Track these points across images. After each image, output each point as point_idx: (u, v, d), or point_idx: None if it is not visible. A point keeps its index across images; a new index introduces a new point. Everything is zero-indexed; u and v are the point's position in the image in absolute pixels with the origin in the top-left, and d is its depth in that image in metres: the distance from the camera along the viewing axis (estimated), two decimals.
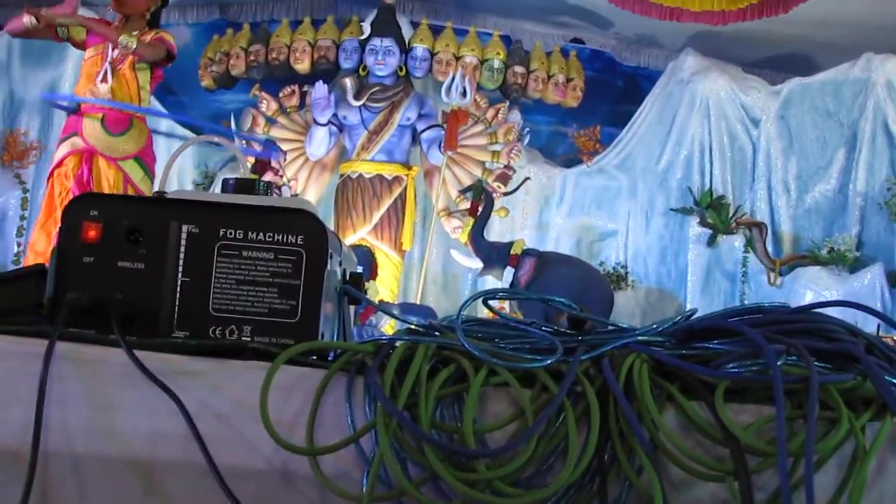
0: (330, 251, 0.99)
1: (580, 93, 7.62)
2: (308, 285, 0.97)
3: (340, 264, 1.08)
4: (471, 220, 6.67)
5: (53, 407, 0.88)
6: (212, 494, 0.86)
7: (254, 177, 1.06)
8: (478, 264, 6.56)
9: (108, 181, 5.22)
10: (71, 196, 4.94)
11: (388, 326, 5.97)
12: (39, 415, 0.86)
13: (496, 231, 7.17)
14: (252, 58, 7.40)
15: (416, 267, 7.28)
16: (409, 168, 7.22)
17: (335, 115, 7.08)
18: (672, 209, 7.42)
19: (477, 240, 6.60)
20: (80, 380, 0.90)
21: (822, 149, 7.32)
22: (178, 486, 0.88)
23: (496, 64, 7.39)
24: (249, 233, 0.97)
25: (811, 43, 7.67)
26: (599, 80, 8.00)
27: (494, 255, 6.48)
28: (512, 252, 6.48)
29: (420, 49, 7.27)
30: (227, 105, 7.68)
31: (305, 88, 7.23)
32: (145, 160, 5.37)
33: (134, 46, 5.14)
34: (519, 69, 7.45)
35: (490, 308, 1.00)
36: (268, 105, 7.29)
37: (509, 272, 6.34)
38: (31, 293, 1.01)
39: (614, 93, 8.14)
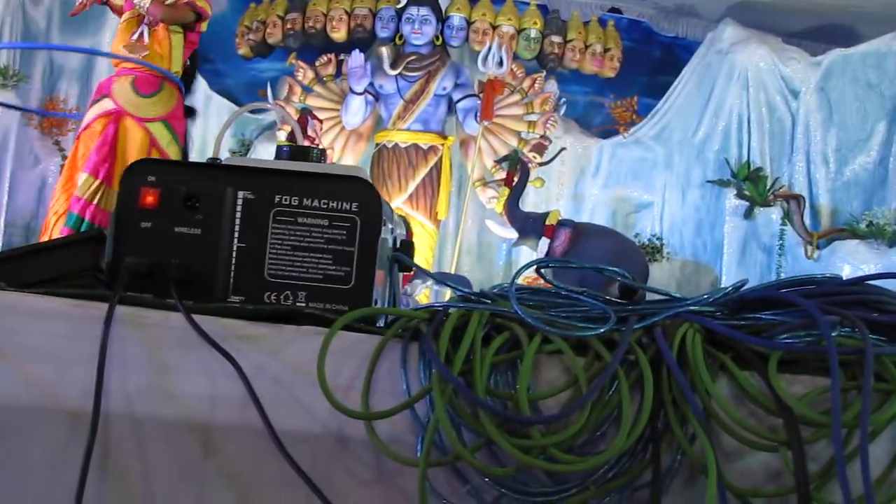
0: (383, 218, 1.00)
1: (617, 63, 7.56)
2: (362, 252, 0.98)
3: (392, 231, 1.08)
4: (506, 191, 6.65)
5: (114, 369, 0.90)
6: (269, 457, 0.88)
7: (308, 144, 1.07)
8: (513, 234, 6.55)
9: (134, 142, 5.15)
10: (93, 156, 4.96)
11: (422, 296, 5.98)
12: (100, 377, 0.88)
13: (531, 201, 7.15)
14: (289, 26, 7.39)
15: (451, 237, 7.28)
16: (445, 138, 7.21)
17: (371, 84, 7.07)
18: (709, 181, 7.36)
19: (512, 210, 6.58)
20: (139, 343, 0.91)
21: (863, 121, 7.24)
22: (236, 449, 0.89)
23: (533, 33, 7.34)
24: (304, 199, 0.98)
25: (853, 13, 7.56)
26: (637, 51, 7.92)
27: (529, 225, 6.46)
28: (547, 222, 6.45)
29: (457, 18, 7.23)
30: (263, 73, 7.68)
31: (342, 57, 7.22)
32: (173, 124, 5.29)
33: (147, 4, 5.09)
34: (556, 39, 7.40)
35: (543, 277, 1.00)
36: (304, 74, 7.29)
37: (544, 242, 6.32)
38: (90, 258, 1.02)
39: (652, 63, 8.07)
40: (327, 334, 0.87)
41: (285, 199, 0.98)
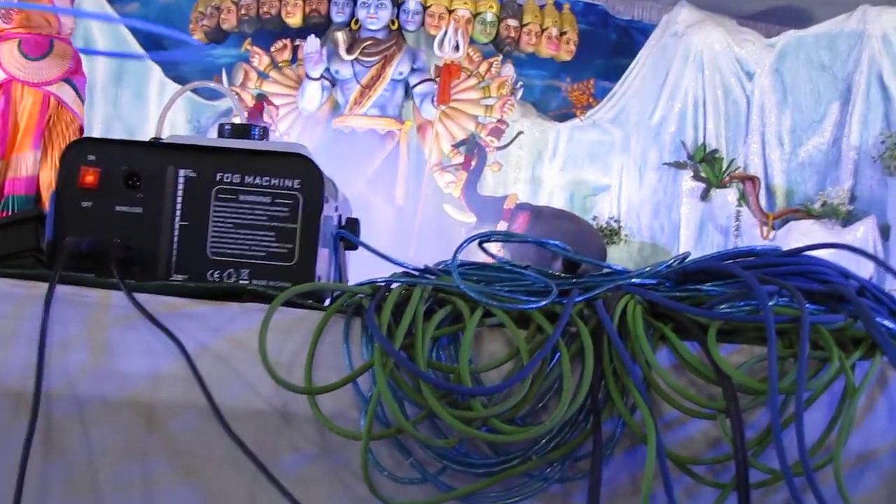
0: (326, 195, 1.00)
1: (573, 46, 7.58)
2: (304, 229, 0.98)
3: (336, 210, 1.08)
4: (464, 175, 6.67)
5: (55, 349, 0.89)
6: (213, 434, 0.87)
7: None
8: (471, 218, 6.57)
9: (24, 109, 4.78)
10: None
11: None
12: (41, 357, 0.87)
13: (489, 185, 7.17)
14: (243, 12, 7.34)
15: (409, 221, 7.28)
16: (402, 122, 7.20)
17: (327, 69, 7.04)
18: (665, 163, 7.41)
19: (470, 194, 6.60)
20: (80, 322, 0.91)
21: (817, 102, 7.31)
22: (180, 427, 0.89)
23: (489, 17, 7.34)
24: (246, 177, 0.98)
25: None
26: (593, 34, 7.95)
27: (488, 209, 6.48)
28: (505, 206, 6.49)
29: (412, 2, 7.21)
30: (218, 59, 7.62)
31: (297, 43, 7.19)
32: (75, 81, 4.94)
33: None
34: (512, 23, 7.40)
35: (486, 251, 1.01)
36: (259, 60, 7.25)
37: (502, 226, 6.35)
38: (30, 238, 1.02)
39: (608, 46, 8.10)
40: (268, 309, 0.87)
41: (227, 177, 0.98)
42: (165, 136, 1.03)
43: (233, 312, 0.92)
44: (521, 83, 7.38)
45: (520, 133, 7.27)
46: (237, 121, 6.93)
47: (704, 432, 0.88)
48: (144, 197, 0.98)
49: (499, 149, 7.16)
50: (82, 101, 4.96)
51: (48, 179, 4.64)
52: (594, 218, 7.47)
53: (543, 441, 0.85)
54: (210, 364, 0.89)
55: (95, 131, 6.64)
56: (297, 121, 7.26)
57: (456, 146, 6.99)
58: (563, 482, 0.88)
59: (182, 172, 0.98)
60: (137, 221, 0.98)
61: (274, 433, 0.89)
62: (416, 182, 7.33)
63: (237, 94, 6.90)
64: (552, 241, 0.99)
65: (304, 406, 0.88)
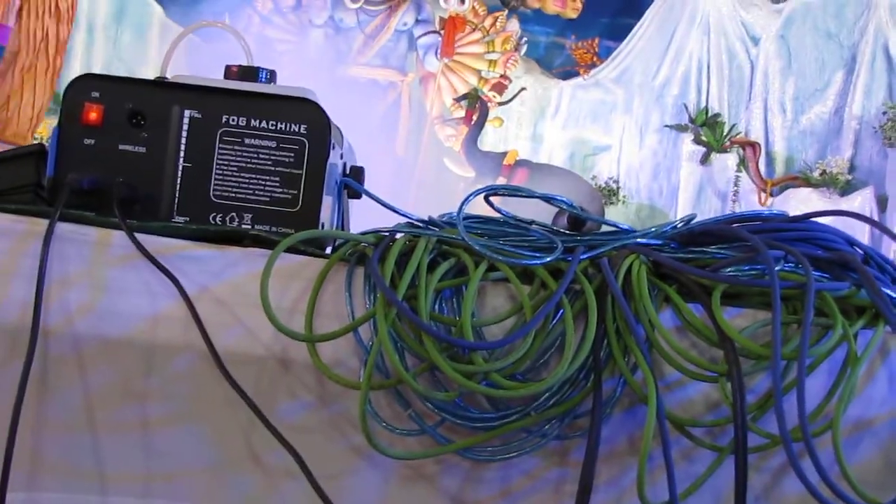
0: (332, 142, 0.99)
1: (580, 4, 7.52)
2: (310, 175, 0.97)
3: (342, 157, 1.07)
4: (464, 129, 6.64)
5: (53, 286, 0.88)
6: (211, 378, 0.87)
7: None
8: (470, 173, 6.55)
9: None
10: None
11: None
12: (39, 293, 0.86)
13: (490, 141, 7.14)
14: None
15: (409, 174, 7.25)
16: (405, 74, 7.15)
17: (331, 16, 6.98)
18: (667, 125, 7.38)
19: (470, 149, 6.58)
20: (80, 260, 0.90)
21: (821, 70, 7.26)
22: (177, 368, 0.88)
23: None
24: (252, 120, 0.97)
25: None
26: None
27: (487, 164, 6.46)
28: (505, 162, 6.47)
29: None
30: (220, 1, 7.55)
31: None
32: None
33: None
34: None
35: (492, 205, 1.00)
36: (263, 4, 7.18)
37: (501, 182, 6.32)
38: (30, 173, 1.00)
39: (614, 5, 8.02)
40: (271, 255, 0.86)
41: (233, 120, 0.97)
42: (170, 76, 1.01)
43: (235, 257, 0.91)
44: (525, 39, 7.32)
45: (522, 89, 7.22)
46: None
47: (705, 395, 0.88)
48: (148, 136, 0.97)
49: (501, 104, 7.12)
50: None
51: None
52: (594, 177, 7.44)
53: (543, 398, 0.85)
54: (210, 307, 0.88)
55: (96, 71, 6.59)
56: (299, 68, 7.20)
57: (458, 100, 6.95)
58: (562, 439, 0.88)
59: (187, 113, 0.97)
60: (141, 161, 0.97)
61: (272, 379, 0.88)
62: (416, 134, 7.30)
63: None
64: (559, 197, 0.98)
65: (304, 353, 0.87)
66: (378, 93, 7.02)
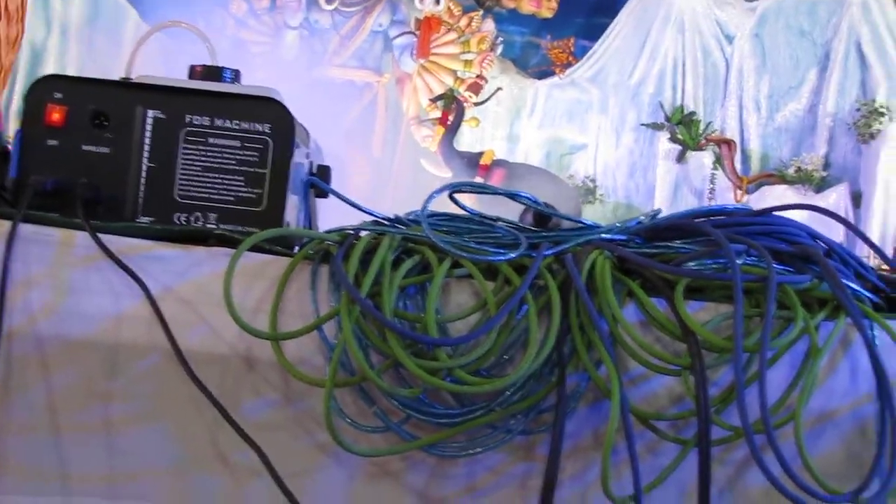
0: (297, 141, 0.99)
1: (555, 3, 7.53)
2: (274, 174, 0.97)
3: (308, 156, 1.07)
4: (441, 130, 6.64)
5: (17, 287, 0.88)
6: (175, 377, 0.87)
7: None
8: (447, 173, 6.54)
9: None
10: None
11: None
12: (2, 294, 0.86)
13: (466, 141, 7.14)
14: None
15: (386, 175, 7.25)
16: (381, 75, 7.15)
17: (306, 18, 6.97)
18: (643, 124, 7.40)
19: (446, 149, 6.57)
20: (43, 261, 0.89)
21: (795, 68, 7.30)
22: (141, 368, 0.88)
23: None
24: (216, 119, 0.97)
25: None
26: None
27: (464, 164, 6.46)
28: (481, 162, 6.47)
29: None
30: (195, 4, 7.53)
31: None
32: None
33: None
34: None
35: (456, 202, 1.00)
36: (237, 6, 7.17)
37: (478, 182, 6.33)
38: None
39: (589, 5, 8.04)
40: (234, 254, 0.86)
41: (196, 119, 0.96)
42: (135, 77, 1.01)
43: (199, 256, 0.91)
44: (500, 39, 7.33)
45: (498, 89, 7.23)
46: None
47: (668, 388, 0.88)
48: (112, 137, 0.96)
49: (477, 104, 7.13)
50: None
51: None
52: (570, 176, 7.46)
53: (507, 393, 0.85)
54: (174, 307, 0.88)
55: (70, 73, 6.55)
56: (273, 69, 7.19)
57: (434, 100, 6.96)
58: (527, 434, 0.88)
59: (151, 113, 0.96)
60: (104, 162, 0.96)
61: (237, 378, 0.88)
62: (393, 135, 7.30)
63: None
64: (523, 194, 0.98)
65: (269, 352, 0.87)
66: (354, 94, 7.02)
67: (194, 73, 1.05)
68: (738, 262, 0.87)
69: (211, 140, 0.97)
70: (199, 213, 0.97)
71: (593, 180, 7.54)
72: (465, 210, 0.98)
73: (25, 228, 0.90)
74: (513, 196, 0.99)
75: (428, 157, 6.84)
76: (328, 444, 0.86)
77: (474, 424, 0.85)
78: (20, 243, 0.89)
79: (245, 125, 0.97)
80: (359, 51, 7.07)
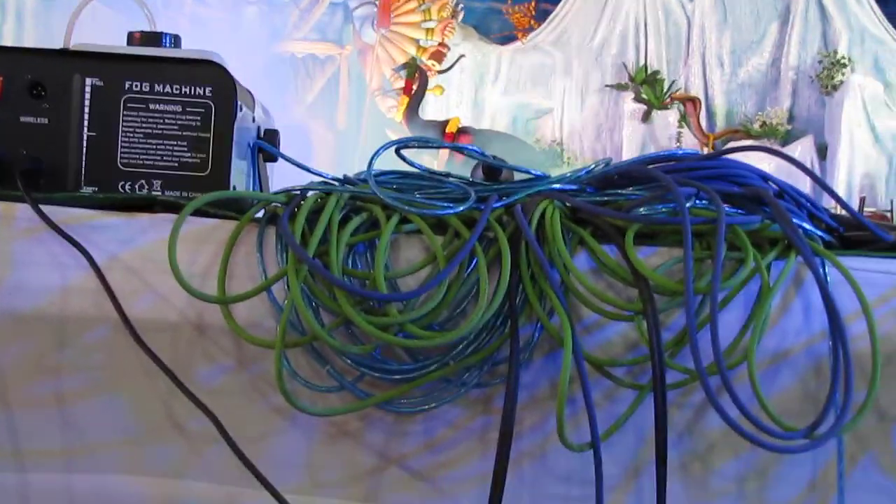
0: (240, 104, 0.97)
1: None
2: (217, 138, 0.95)
3: (254, 120, 1.06)
4: (405, 99, 6.61)
5: None
6: (126, 347, 0.86)
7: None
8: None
9: None
10: None
11: None
12: None
13: (431, 109, 7.13)
14: None
15: (352, 146, 7.22)
16: (342, 47, 7.11)
17: None
18: (607, 85, 7.41)
19: (412, 118, 6.56)
20: None
21: (756, 23, 7.33)
22: (91, 340, 0.87)
23: None
24: (156, 85, 0.95)
25: None
26: None
27: (429, 132, 6.44)
28: (447, 130, 6.45)
29: None
30: None
31: None
32: None
33: None
34: None
35: (403, 158, 0.99)
36: None
37: (445, 150, 6.31)
38: None
39: None
40: (177, 219, 0.85)
41: (136, 86, 0.95)
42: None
43: (143, 224, 0.90)
44: (461, 5, 7.31)
45: (461, 56, 7.21)
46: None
47: (623, 335, 0.88)
48: (50, 107, 0.95)
49: (440, 72, 7.11)
50: None
51: None
52: (537, 140, 7.47)
53: (460, 346, 0.84)
54: (120, 276, 0.87)
55: None
56: (233, 45, 7.13)
57: (397, 70, 6.93)
58: (482, 387, 0.88)
59: (89, 81, 0.95)
60: (44, 132, 0.95)
61: (188, 345, 0.87)
62: (357, 107, 7.27)
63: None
64: (469, 147, 0.97)
65: (219, 317, 0.86)
66: (317, 67, 6.97)
67: (133, 39, 1.03)
68: (688, 204, 0.87)
69: (151, 106, 0.95)
70: (143, 181, 0.95)
71: (560, 144, 7.54)
72: (414, 166, 0.97)
73: None
74: (459, 150, 0.98)
75: (394, 128, 6.82)
76: (284, 406, 0.85)
77: (429, 379, 0.85)
78: None
79: (185, 89, 0.95)
80: (319, 23, 7.03)
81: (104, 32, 1.02)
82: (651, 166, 0.97)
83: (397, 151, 0.98)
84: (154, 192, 0.95)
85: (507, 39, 7.78)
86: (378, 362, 0.85)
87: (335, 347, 0.82)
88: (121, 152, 0.95)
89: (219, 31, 7.00)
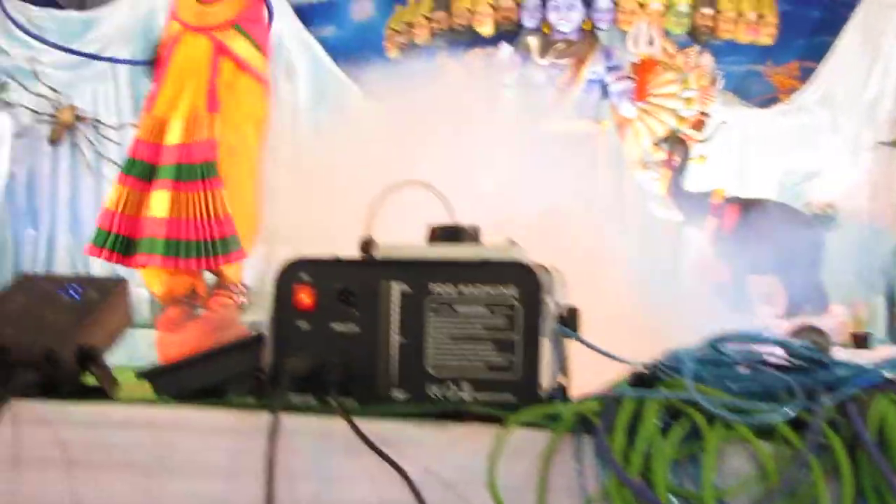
0: (543, 296, 0.95)
1: (774, 29, 7.28)
2: (525, 339, 0.93)
3: (554, 301, 1.04)
4: (667, 171, 6.52)
5: (281, 480, 0.88)
6: None
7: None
8: (678, 216, 6.41)
9: (188, 58, 3.69)
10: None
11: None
12: (271, 490, 0.86)
13: (694, 179, 6.97)
14: (435, 25, 7.40)
15: (614, 223, 7.15)
16: (600, 123, 7.10)
17: (521, 74, 7.01)
18: (881, 142, 7.04)
19: (675, 190, 6.45)
20: (304, 452, 0.90)
21: None
22: None
23: (683, 8, 7.13)
24: (460, 287, 0.94)
25: None
26: (794, 14, 7.59)
27: (694, 204, 6.32)
28: (712, 201, 6.31)
29: (603, 0, 7.10)
30: (414, 76, 7.69)
31: (489, 50, 7.19)
32: (246, 27, 3.79)
33: None
34: (707, 10, 7.17)
35: (720, 352, 0.93)
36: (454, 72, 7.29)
37: (711, 222, 6.18)
38: (250, 359, 1.02)
39: (810, 25, 7.72)
40: (498, 437, 0.83)
41: (441, 289, 0.95)
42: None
43: (457, 435, 0.89)
44: (720, 72, 7.15)
45: (723, 123, 7.03)
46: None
47: None
48: (360, 314, 0.96)
49: (702, 141, 6.96)
50: (257, 50, 3.87)
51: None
52: (807, 205, 7.16)
53: None
54: (436, 491, 0.87)
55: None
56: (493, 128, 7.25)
57: (658, 143, 6.84)
58: None
59: (396, 287, 0.95)
60: (354, 339, 0.96)
61: None
62: (617, 182, 7.21)
63: None
64: (798, 344, 0.91)
65: None
66: (574, 144, 6.98)
67: (433, 234, 1.03)
68: None
69: (457, 308, 0.94)
70: (452, 384, 0.94)
71: (832, 206, 7.20)
72: (726, 357, 0.92)
73: (285, 420, 0.90)
74: (785, 346, 0.92)
75: (656, 201, 6.72)
76: None
77: None
78: (281, 436, 0.89)
79: (491, 290, 0.94)
80: (576, 101, 7.05)
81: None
82: None
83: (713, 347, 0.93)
84: (462, 394, 0.94)
85: (768, 102, 7.55)
86: None
87: None
88: (428, 355, 0.95)
89: (477, 116, 7.14)
